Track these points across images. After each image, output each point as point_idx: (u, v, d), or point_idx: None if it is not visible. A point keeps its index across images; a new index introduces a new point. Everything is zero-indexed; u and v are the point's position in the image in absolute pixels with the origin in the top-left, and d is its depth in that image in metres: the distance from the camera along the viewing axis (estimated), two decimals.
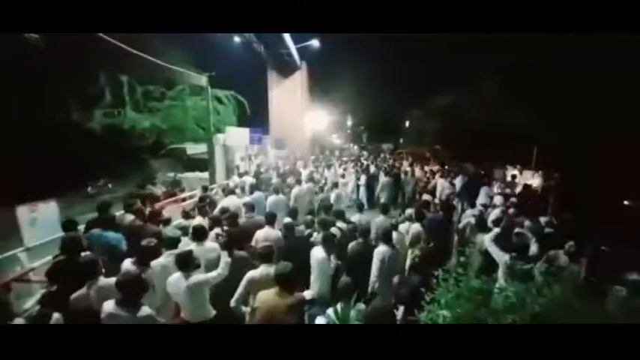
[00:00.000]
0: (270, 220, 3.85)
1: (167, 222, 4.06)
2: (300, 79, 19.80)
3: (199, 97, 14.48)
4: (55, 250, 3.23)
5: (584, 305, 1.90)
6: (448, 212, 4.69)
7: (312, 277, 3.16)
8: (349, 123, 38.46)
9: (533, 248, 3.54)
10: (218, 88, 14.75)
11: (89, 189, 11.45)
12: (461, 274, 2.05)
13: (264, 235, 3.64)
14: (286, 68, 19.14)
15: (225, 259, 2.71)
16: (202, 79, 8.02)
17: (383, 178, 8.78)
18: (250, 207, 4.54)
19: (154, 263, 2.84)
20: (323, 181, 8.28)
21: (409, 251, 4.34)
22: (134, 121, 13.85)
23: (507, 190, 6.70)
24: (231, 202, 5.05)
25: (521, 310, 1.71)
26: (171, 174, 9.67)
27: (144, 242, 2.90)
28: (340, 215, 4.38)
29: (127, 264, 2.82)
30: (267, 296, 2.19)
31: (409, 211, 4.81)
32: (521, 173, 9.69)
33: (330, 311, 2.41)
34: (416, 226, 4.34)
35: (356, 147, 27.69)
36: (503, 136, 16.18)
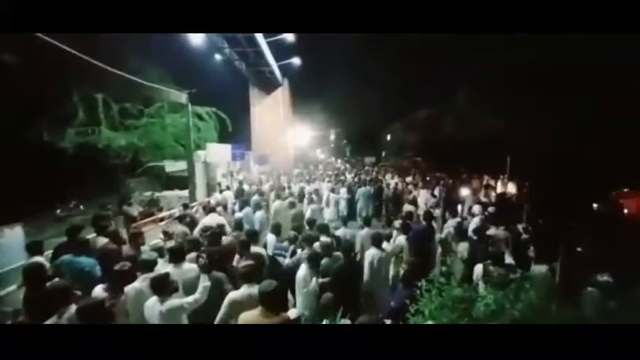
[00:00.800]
0: (253, 237, 3.76)
1: (143, 243, 3.87)
2: (282, 95, 20.14)
3: (179, 114, 14.27)
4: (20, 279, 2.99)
5: (560, 308, 1.97)
6: (430, 222, 4.78)
7: (297, 296, 3.11)
8: (332, 137, 39.08)
9: (508, 257, 3.65)
10: (198, 105, 14.62)
11: (58, 211, 10.81)
12: (443, 284, 2.07)
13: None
14: (268, 85, 19.41)
15: (204, 283, 2.60)
16: (182, 97, 7.96)
17: (360, 189, 8.87)
18: (238, 225, 4.42)
19: (127, 288, 2.69)
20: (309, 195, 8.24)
21: (392, 262, 4.39)
22: (109, 139, 13.39)
23: (484, 199, 6.94)
24: (212, 220, 4.91)
25: (501, 317, 1.74)
26: (149, 193, 9.34)
27: (117, 267, 2.75)
28: (324, 230, 4.36)
29: (98, 290, 2.65)
30: (250, 317, 2.10)
31: (394, 223, 4.88)
32: (496, 183, 10.09)
33: None
34: (400, 238, 4.40)
35: (339, 161, 28.00)
36: (480, 147, 16.89)
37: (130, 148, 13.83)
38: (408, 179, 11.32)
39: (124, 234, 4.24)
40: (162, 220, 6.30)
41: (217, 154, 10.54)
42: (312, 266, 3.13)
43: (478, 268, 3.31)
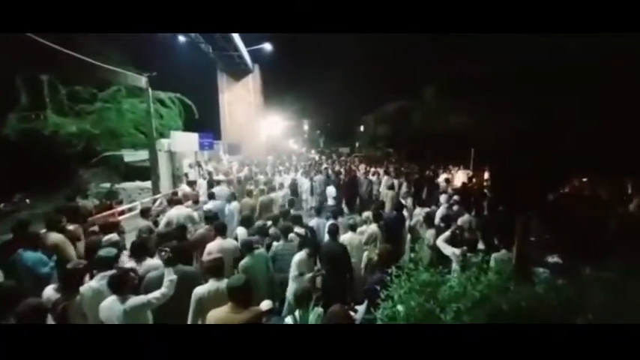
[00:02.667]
0: (222, 230, 3.62)
1: (100, 239, 3.58)
2: (252, 82, 19.43)
3: (138, 100, 13.19)
4: None
5: (517, 288, 2.11)
6: (401, 211, 4.93)
7: (291, 283, 3.20)
8: (306, 128, 38.79)
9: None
10: (160, 90, 13.63)
11: (1, 206, 9.69)
12: (412, 270, 2.14)
13: (218, 248, 3.41)
14: (238, 71, 18.60)
15: (169, 276, 2.46)
16: (141, 80, 7.36)
17: (317, 176, 8.93)
18: (208, 217, 4.23)
19: (83, 288, 2.47)
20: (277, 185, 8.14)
21: (365, 251, 4.49)
22: (57, 125, 12.05)
23: (450, 190, 7.29)
24: (178, 212, 4.66)
25: (463, 298, 1.83)
26: (107, 184, 8.63)
27: (70, 265, 2.52)
28: (297, 220, 4.33)
29: (49, 291, 2.42)
30: (218, 314, 2.02)
31: (366, 213, 4.97)
32: (462, 174, 10.67)
33: (288, 319, 2.35)
34: (373, 227, 4.50)
35: (313, 151, 27.88)
36: (446, 140, 17.67)
37: (82, 135, 12.55)
38: (381, 170, 11.57)
39: (78, 229, 3.89)
40: (122, 213, 5.86)
41: (183, 142, 9.96)
42: (311, 253, 3.25)
43: (454, 250, 3.48)
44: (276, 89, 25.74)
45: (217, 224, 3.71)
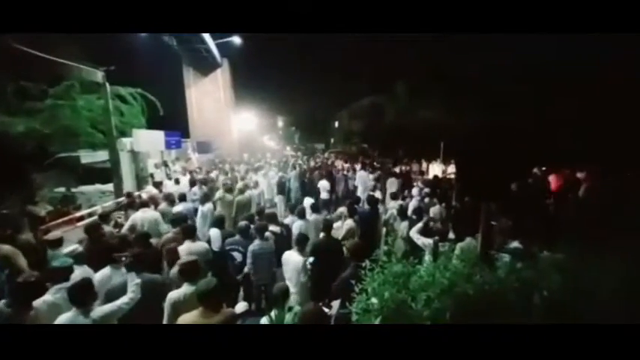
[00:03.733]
0: (190, 233, 3.47)
1: (57, 247, 3.29)
2: (221, 77, 18.75)
3: (95, 96, 12.20)
4: None
5: (481, 273, 2.24)
6: (375, 206, 5.03)
7: (289, 282, 3.15)
8: (280, 124, 38.22)
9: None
10: (120, 85, 12.72)
11: None
12: (385, 262, 2.19)
13: (186, 251, 3.26)
14: (205, 65, 17.86)
15: (133, 281, 2.32)
16: (97, 75, 6.82)
17: (292, 172, 8.87)
18: (178, 219, 4.01)
19: (37, 303, 2.26)
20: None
21: (344, 246, 4.54)
22: (3, 125, 10.89)
23: (420, 183, 7.54)
24: (143, 216, 4.40)
25: (433, 286, 1.91)
26: (62, 189, 7.95)
27: (21, 278, 2.29)
28: (272, 219, 4.26)
29: None
30: (189, 319, 1.94)
31: (341, 209, 5.02)
32: (432, 166, 11.11)
33: (264, 319, 2.31)
34: (349, 222, 4.55)
35: (288, 148, 27.46)
36: (417, 135, 18.24)
37: (32, 135, 11.45)
38: (356, 165, 11.73)
39: (30, 238, 3.56)
40: (80, 219, 5.43)
41: (147, 141, 9.38)
42: (302, 249, 3.25)
43: (427, 241, 3.61)
44: (248, 84, 25.06)
45: (184, 227, 3.54)
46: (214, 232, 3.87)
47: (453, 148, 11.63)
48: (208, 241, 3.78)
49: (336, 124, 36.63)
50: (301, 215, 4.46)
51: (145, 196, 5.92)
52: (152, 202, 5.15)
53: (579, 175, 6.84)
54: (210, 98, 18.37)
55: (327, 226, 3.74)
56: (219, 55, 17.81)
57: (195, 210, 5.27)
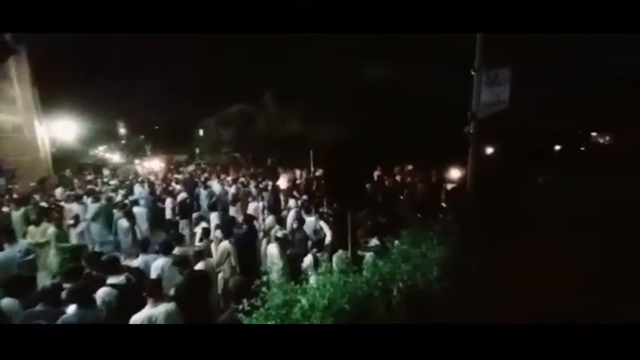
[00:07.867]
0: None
1: None
2: (16, 70, 12.64)
3: None
4: None
5: (352, 277, 2.44)
6: (251, 224, 4.78)
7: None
8: (122, 131, 31.39)
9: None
10: None
11: None
12: (265, 294, 2.07)
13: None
14: None
15: None
16: None
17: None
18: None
19: None
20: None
21: (219, 272, 4.09)
22: None
23: (295, 193, 7.73)
24: None
25: (314, 311, 1.92)
26: None
27: None
28: (111, 266, 3.22)
29: None
30: None
31: (203, 224, 4.52)
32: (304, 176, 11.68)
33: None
34: (224, 244, 4.14)
35: (137, 161, 22.15)
36: (288, 142, 18.98)
37: None
38: (228, 178, 11.00)
39: None
40: None
41: None
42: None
43: (308, 259, 3.61)
44: (63, 80, 17.92)
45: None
46: (7, 303, 2.61)
47: (320, 155, 12.75)
48: None
49: (201, 132, 33.46)
50: (165, 249, 3.69)
51: None
52: None
53: (407, 172, 8.84)
54: (1, 97, 12.30)
55: (182, 262, 3.22)
56: (11, 40, 11.84)
57: None
